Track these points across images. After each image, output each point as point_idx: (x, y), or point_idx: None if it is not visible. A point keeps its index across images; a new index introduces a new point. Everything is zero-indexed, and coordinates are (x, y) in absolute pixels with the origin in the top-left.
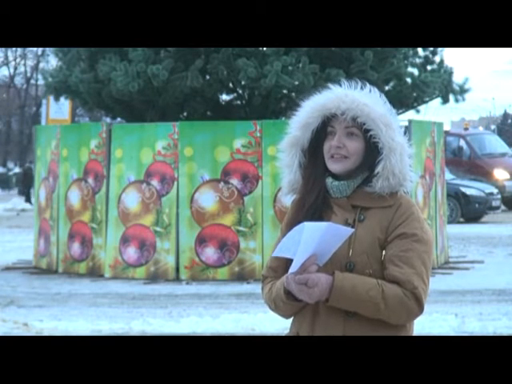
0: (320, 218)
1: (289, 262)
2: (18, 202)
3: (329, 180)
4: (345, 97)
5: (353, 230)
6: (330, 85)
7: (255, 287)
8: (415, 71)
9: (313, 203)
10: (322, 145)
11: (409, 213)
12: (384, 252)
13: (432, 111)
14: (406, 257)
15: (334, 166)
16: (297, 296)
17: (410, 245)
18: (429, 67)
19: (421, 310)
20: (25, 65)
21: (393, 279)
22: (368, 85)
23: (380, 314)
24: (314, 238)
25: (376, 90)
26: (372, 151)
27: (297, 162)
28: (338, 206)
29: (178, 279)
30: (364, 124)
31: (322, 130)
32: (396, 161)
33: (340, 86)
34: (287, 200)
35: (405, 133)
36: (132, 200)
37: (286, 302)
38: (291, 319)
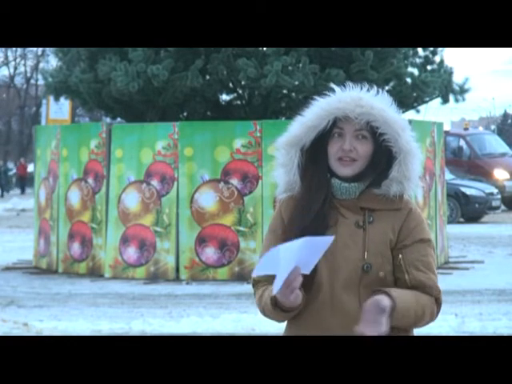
0: (326, 222)
1: None
2: (18, 202)
3: (336, 181)
4: (359, 100)
5: (333, 237)
6: (335, 87)
7: None
8: (415, 71)
9: (321, 208)
10: (324, 146)
11: (421, 218)
12: (400, 255)
13: (432, 111)
14: (427, 262)
15: (342, 170)
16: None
17: (427, 250)
18: (429, 67)
19: (439, 314)
20: (25, 65)
21: (418, 284)
22: (375, 87)
23: (417, 325)
24: (292, 257)
25: (385, 92)
26: (382, 154)
27: (296, 163)
28: (346, 208)
29: (178, 279)
30: (378, 128)
31: (327, 131)
32: (413, 167)
33: (345, 87)
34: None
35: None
36: (132, 200)
37: (274, 313)
38: (285, 324)
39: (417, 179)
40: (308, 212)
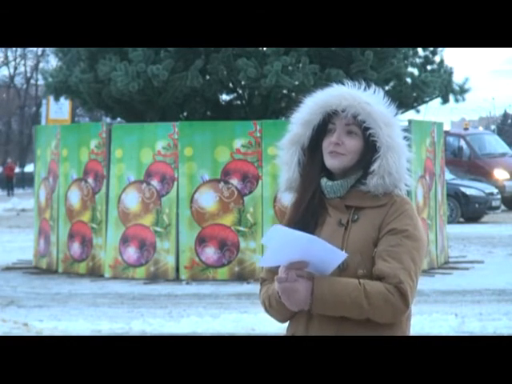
0: (316, 219)
1: None
2: (18, 201)
3: (323, 180)
4: (347, 94)
5: (346, 255)
6: (333, 84)
7: (255, 287)
8: (415, 71)
9: (309, 202)
10: (321, 142)
11: (402, 210)
12: (375, 250)
13: (432, 111)
14: (394, 252)
15: (331, 162)
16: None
17: (399, 240)
18: (429, 67)
19: (406, 306)
20: (25, 65)
21: (379, 274)
22: (373, 85)
23: (365, 314)
24: (299, 247)
25: (381, 91)
26: (370, 150)
27: (296, 160)
28: (333, 208)
29: (178, 279)
30: (364, 122)
31: (323, 127)
32: (394, 160)
33: (343, 84)
34: (285, 197)
35: (405, 137)
36: (132, 200)
37: (279, 301)
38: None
39: (401, 175)
40: (298, 209)
